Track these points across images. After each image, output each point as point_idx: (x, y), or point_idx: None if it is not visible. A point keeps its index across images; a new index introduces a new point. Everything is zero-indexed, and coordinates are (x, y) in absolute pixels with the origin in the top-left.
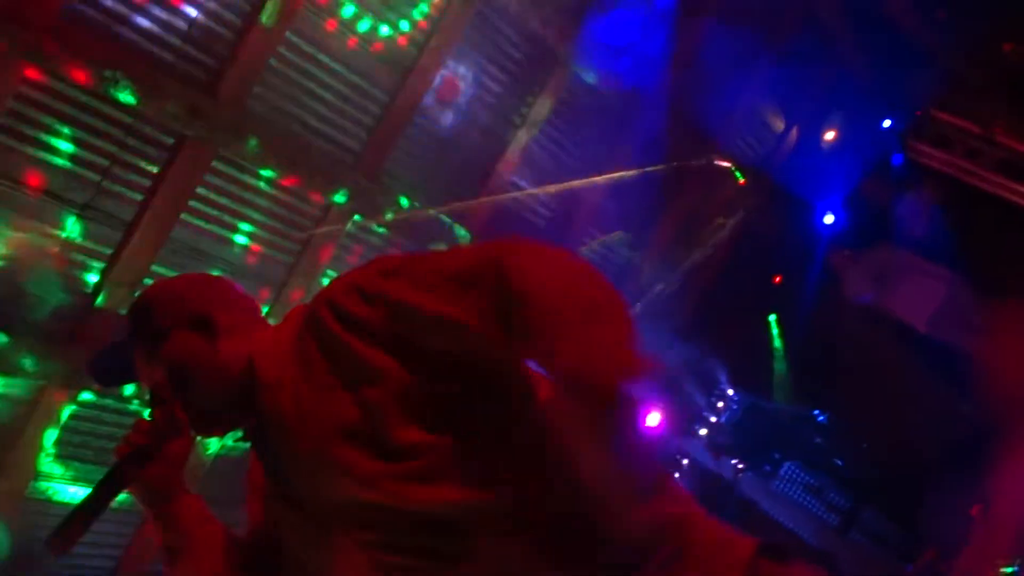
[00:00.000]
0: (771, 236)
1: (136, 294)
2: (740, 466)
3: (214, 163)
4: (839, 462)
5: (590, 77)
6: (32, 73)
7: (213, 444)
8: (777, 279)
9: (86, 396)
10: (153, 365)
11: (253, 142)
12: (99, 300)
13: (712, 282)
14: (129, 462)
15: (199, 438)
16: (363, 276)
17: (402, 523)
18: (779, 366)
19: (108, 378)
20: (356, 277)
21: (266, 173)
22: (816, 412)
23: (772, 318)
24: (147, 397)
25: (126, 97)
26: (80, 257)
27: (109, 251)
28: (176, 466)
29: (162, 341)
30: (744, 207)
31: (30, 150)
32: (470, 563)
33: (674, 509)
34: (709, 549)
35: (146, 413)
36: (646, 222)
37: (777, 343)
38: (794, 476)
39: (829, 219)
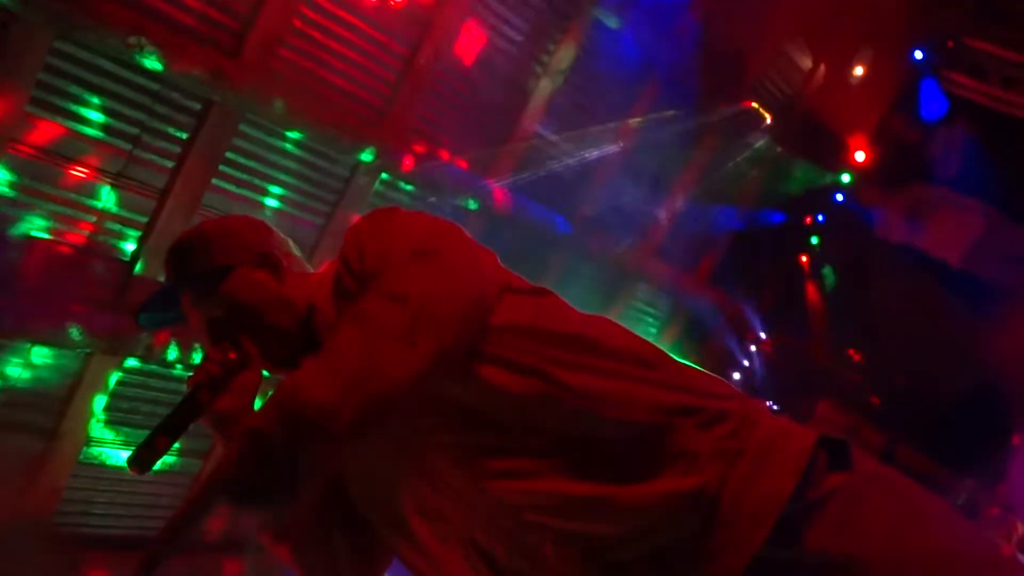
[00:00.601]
0: (800, 176)
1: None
2: (775, 408)
3: (241, 126)
4: (874, 400)
5: (612, 22)
6: (61, 44)
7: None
8: (807, 220)
9: (132, 363)
10: (210, 302)
11: (279, 104)
12: (137, 268)
13: (741, 225)
14: (203, 390)
15: (267, 373)
16: (354, 242)
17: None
18: (812, 306)
19: (153, 318)
20: (356, 237)
21: (293, 135)
22: (850, 351)
23: (804, 259)
24: (212, 334)
25: (152, 63)
26: (116, 226)
27: (145, 219)
28: (247, 397)
29: (220, 279)
30: (771, 148)
31: (61, 121)
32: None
33: (729, 406)
34: (767, 442)
35: (210, 350)
36: (672, 167)
37: (809, 283)
38: (829, 416)
39: (860, 156)
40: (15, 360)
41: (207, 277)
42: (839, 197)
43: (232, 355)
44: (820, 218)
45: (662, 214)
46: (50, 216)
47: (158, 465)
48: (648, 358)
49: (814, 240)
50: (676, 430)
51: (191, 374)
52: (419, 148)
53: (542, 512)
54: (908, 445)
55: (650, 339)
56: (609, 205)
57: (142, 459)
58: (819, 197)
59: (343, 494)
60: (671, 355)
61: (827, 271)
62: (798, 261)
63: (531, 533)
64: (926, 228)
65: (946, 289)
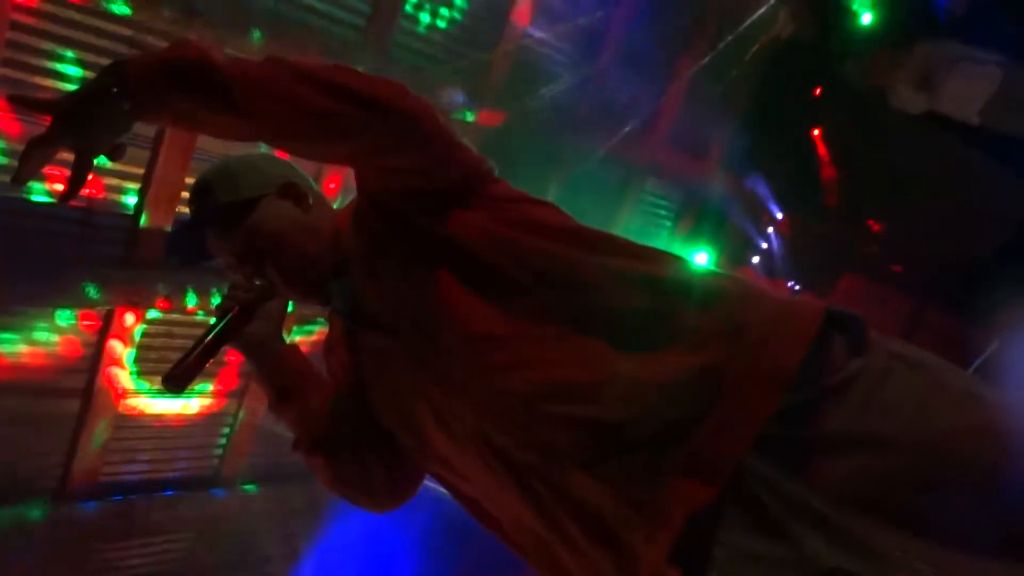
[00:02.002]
0: (808, 45)
1: (178, 209)
2: (796, 288)
3: None
4: (897, 268)
5: None
6: None
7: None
8: (817, 91)
9: (154, 314)
10: (233, 235)
11: (257, 34)
12: (142, 220)
13: (749, 101)
14: (232, 315)
15: (296, 300)
16: None
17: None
18: (826, 181)
19: (187, 255)
20: None
21: None
22: (869, 222)
23: (816, 132)
24: (239, 266)
25: (120, 8)
26: (115, 181)
27: (141, 171)
28: (274, 322)
29: (248, 210)
30: (776, 19)
31: (39, 80)
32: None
33: (729, 285)
34: (771, 319)
35: (237, 279)
36: (674, 49)
37: (823, 157)
38: (852, 289)
39: (867, 19)
40: (41, 325)
41: (233, 211)
42: (849, 67)
43: (258, 283)
44: (830, 89)
45: (666, 101)
46: (47, 180)
47: (197, 407)
48: (647, 250)
49: (825, 113)
50: (675, 309)
51: (218, 303)
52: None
53: (549, 401)
54: (936, 309)
55: (664, 232)
56: (610, 98)
57: (176, 378)
58: (828, 68)
59: (371, 413)
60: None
61: (840, 143)
62: (810, 135)
63: (541, 423)
64: (940, 90)
65: (966, 148)
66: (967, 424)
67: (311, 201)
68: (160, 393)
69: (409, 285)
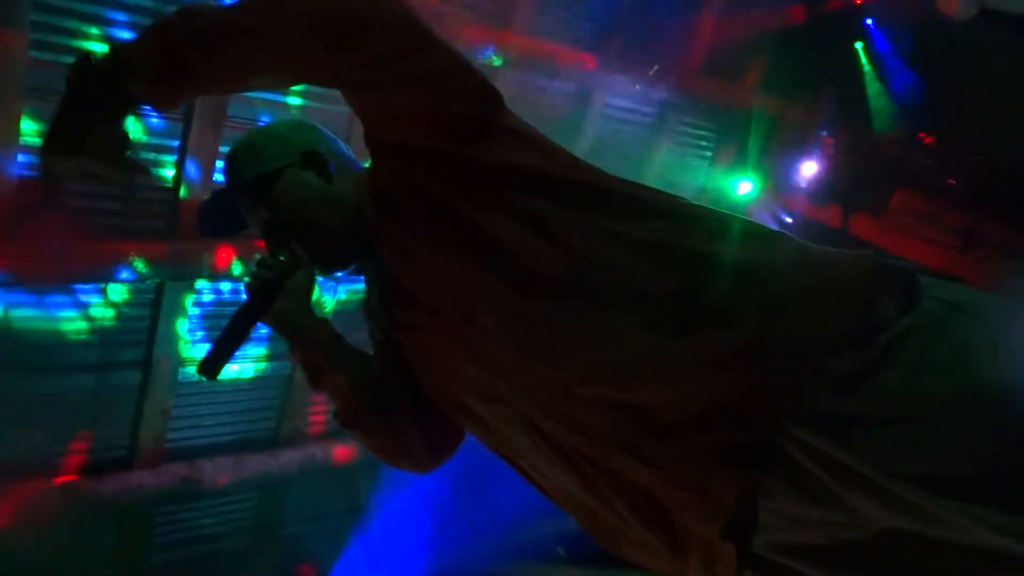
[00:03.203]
0: None
1: (215, 178)
2: (847, 209)
3: None
4: (952, 181)
5: None
6: None
7: (329, 303)
8: (857, 2)
9: (201, 283)
10: (261, 207)
11: None
12: (182, 192)
13: (786, 18)
14: (258, 295)
15: (320, 273)
16: None
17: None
18: (873, 96)
19: (217, 228)
20: None
21: None
22: (920, 135)
23: (858, 46)
24: (266, 239)
25: None
26: (151, 155)
27: (176, 143)
28: (302, 297)
29: (273, 182)
30: None
31: (68, 60)
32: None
33: (766, 248)
34: (810, 293)
35: (262, 256)
36: None
37: (868, 71)
38: (906, 206)
39: None
40: (96, 301)
41: (258, 183)
42: None
43: (282, 258)
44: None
45: (701, 24)
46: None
47: (251, 372)
48: (677, 206)
49: (867, 22)
50: (709, 284)
51: (246, 281)
52: (434, 18)
53: (587, 385)
54: (994, 222)
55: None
56: (639, 29)
57: (208, 366)
58: None
59: (408, 380)
60: (691, 203)
61: (885, 54)
62: (852, 49)
63: (582, 408)
64: None
65: (1018, 48)
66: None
67: (333, 169)
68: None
69: (440, 267)
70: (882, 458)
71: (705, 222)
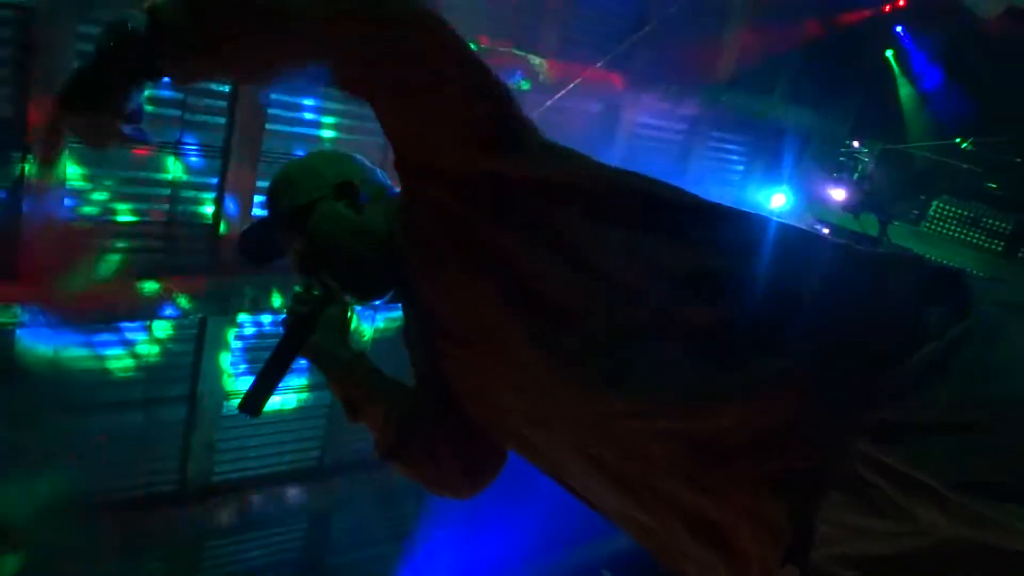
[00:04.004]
0: None
1: (253, 212)
2: (884, 219)
3: None
4: (993, 185)
5: None
6: (84, 27)
7: (368, 332)
8: (886, 8)
9: (242, 316)
10: (298, 239)
11: None
12: (221, 228)
13: (816, 29)
14: (294, 330)
15: (354, 304)
16: None
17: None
18: (906, 102)
19: (257, 256)
20: None
21: None
22: (957, 140)
23: (889, 54)
24: (302, 272)
25: None
26: (191, 193)
27: (214, 180)
28: (338, 329)
29: (308, 214)
30: None
31: None
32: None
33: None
34: (857, 309)
35: (299, 287)
36: None
37: (900, 79)
38: (945, 213)
39: None
40: (142, 338)
41: (294, 216)
42: None
43: (316, 292)
44: (901, 3)
45: (730, 40)
46: (128, 198)
47: (293, 403)
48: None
49: (897, 30)
50: (752, 310)
51: (282, 318)
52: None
53: (637, 417)
54: None
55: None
56: (666, 46)
57: (250, 403)
58: None
59: (450, 408)
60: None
61: (916, 60)
62: (882, 57)
63: (633, 437)
64: None
65: None
66: None
67: (365, 200)
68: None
69: (472, 300)
70: (942, 466)
71: (749, 235)
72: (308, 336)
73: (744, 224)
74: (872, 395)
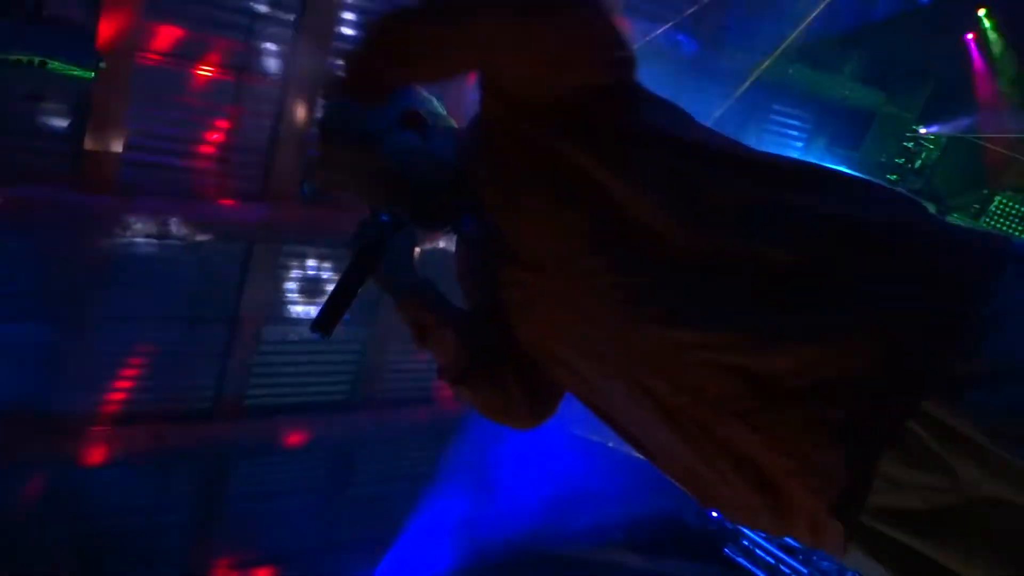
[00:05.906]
0: None
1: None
2: (943, 210)
3: None
4: None
5: None
6: None
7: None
8: None
9: (290, 245)
10: (361, 171)
11: None
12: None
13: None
14: (362, 256)
15: (422, 231)
16: None
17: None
18: (982, 90)
19: (316, 190)
20: None
21: None
22: None
23: (982, 13)
24: (367, 200)
25: None
26: (249, 119)
27: (272, 108)
28: (405, 256)
29: (376, 142)
30: None
31: (174, 23)
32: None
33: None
34: (933, 267)
35: (364, 217)
36: None
37: (978, 64)
38: (1007, 209)
39: None
40: (188, 259)
41: (363, 141)
42: None
43: (384, 218)
44: None
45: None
46: (188, 120)
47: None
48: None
49: (981, 12)
50: (829, 257)
51: (350, 243)
52: None
53: (700, 349)
54: None
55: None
56: (738, 12)
57: (322, 323)
58: None
59: (507, 340)
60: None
61: (998, 46)
62: (962, 40)
63: (692, 370)
64: None
65: None
66: None
67: (431, 127)
68: (299, 320)
69: (556, 225)
70: (986, 422)
71: (831, 183)
72: (376, 262)
73: (831, 177)
74: (941, 351)
